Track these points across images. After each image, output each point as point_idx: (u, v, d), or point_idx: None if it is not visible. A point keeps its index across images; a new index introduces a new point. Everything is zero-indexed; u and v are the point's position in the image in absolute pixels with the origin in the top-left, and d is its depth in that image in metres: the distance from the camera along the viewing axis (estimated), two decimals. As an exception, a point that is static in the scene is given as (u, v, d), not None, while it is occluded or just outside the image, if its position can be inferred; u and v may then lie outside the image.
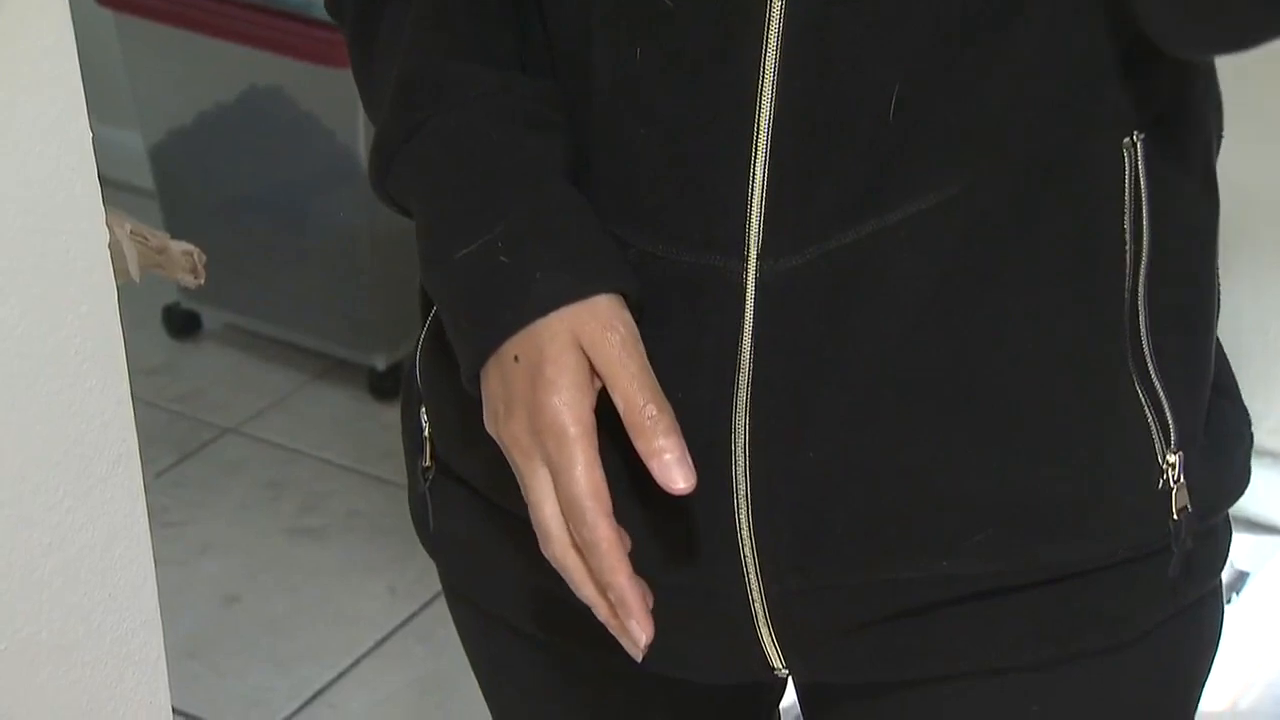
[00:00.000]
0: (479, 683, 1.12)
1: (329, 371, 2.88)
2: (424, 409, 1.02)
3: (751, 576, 0.91)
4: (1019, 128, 0.86)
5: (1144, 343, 0.90)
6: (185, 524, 2.53)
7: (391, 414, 1.12)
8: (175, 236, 0.92)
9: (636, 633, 0.83)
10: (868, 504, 0.89)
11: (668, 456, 0.82)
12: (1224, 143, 0.96)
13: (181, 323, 2.98)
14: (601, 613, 0.85)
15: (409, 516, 1.08)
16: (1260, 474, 1.11)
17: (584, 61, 0.89)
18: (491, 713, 1.15)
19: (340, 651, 2.31)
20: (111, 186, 0.81)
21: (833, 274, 0.86)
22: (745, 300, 0.87)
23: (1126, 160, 0.88)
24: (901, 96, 0.83)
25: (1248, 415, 1.00)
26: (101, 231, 0.77)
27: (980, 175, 0.86)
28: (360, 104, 0.98)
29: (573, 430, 0.83)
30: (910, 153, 0.85)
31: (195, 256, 0.92)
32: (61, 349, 0.76)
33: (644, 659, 0.85)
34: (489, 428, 0.87)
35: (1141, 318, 0.90)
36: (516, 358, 0.84)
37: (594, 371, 0.84)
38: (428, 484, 1.03)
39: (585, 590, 0.84)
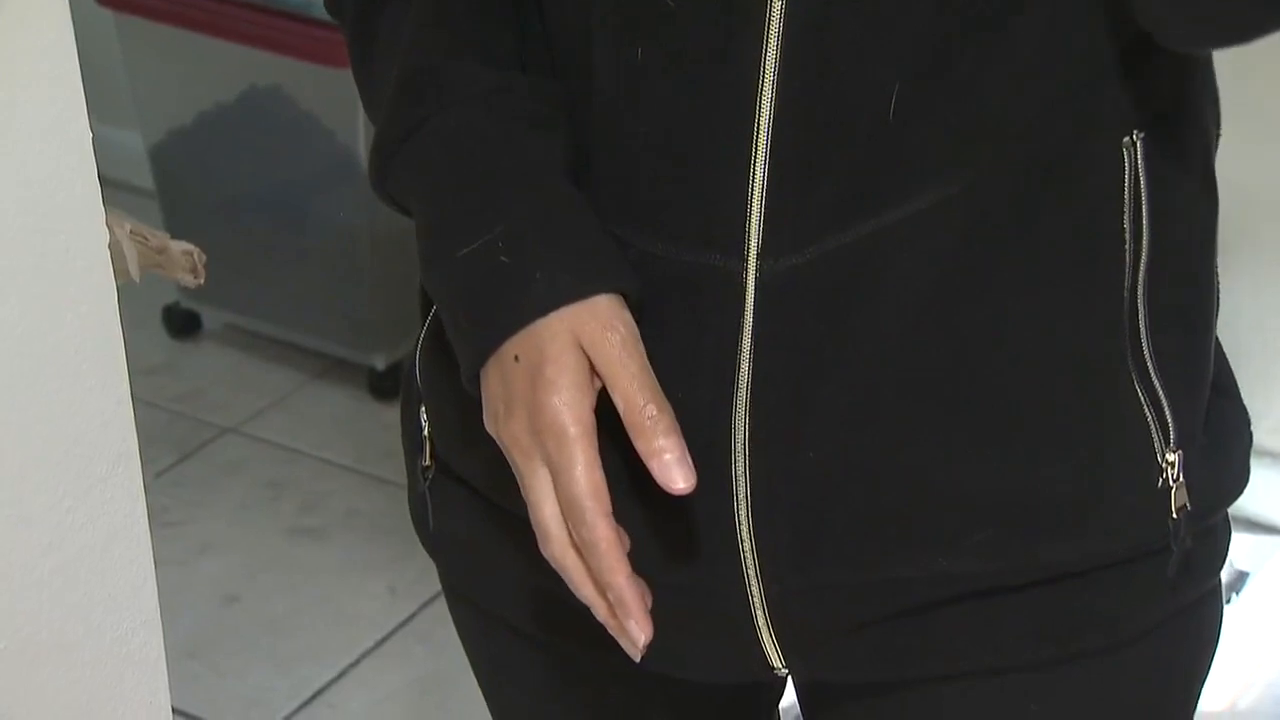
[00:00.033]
0: (479, 682, 1.13)
1: (329, 371, 2.88)
2: (423, 408, 1.02)
3: (751, 576, 0.91)
4: (1019, 127, 0.86)
5: (1143, 342, 0.90)
6: (185, 524, 2.53)
7: (391, 414, 1.13)
8: (175, 236, 0.92)
9: (635, 633, 0.83)
10: (867, 503, 0.89)
11: (668, 456, 0.82)
12: (1224, 143, 0.96)
13: (181, 322, 2.98)
14: (600, 613, 0.85)
15: (409, 516, 1.08)
16: (1260, 473, 1.11)
17: (584, 61, 0.89)
18: (491, 713, 1.15)
19: (340, 651, 2.31)
20: (111, 186, 0.81)
21: (832, 273, 0.86)
22: (745, 299, 0.87)
23: (1126, 159, 0.88)
24: (901, 96, 0.83)
25: (1247, 414, 1.00)
26: (101, 231, 0.77)
27: (980, 174, 0.86)
28: (360, 104, 0.98)
29: (573, 430, 0.83)
30: (910, 152, 0.85)
31: (195, 256, 0.92)
32: (61, 349, 0.76)
33: (643, 659, 0.85)
34: (489, 427, 0.87)
35: (1141, 317, 0.90)
36: (517, 357, 0.84)
37: (594, 371, 0.84)
38: (427, 483, 1.04)
39: (584, 590, 0.85)
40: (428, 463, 1.03)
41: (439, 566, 1.08)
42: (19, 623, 0.78)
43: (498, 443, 0.86)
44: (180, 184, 2.84)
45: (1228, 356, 0.99)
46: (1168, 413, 0.91)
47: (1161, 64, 0.88)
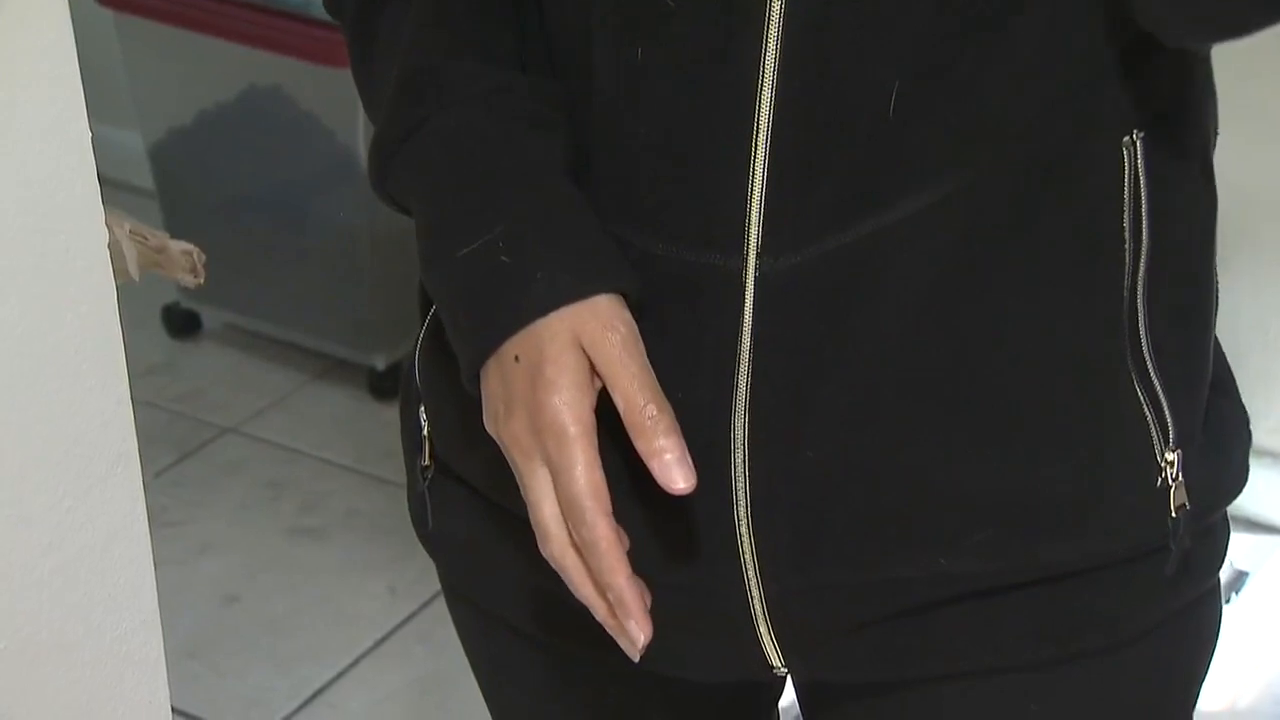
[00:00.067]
0: (478, 682, 1.13)
1: (329, 371, 2.88)
2: (422, 408, 1.02)
3: (750, 576, 0.91)
4: (1019, 127, 0.86)
5: (1143, 341, 0.90)
6: (185, 524, 2.53)
7: (391, 413, 1.12)
8: (175, 236, 0.92)
9: (635, 633, 0.83)
10: (867, 503, 0.89)
11: (668, 456, 0.82)
12: (1224, 143, 0.96)
13: (181, 322, 2.98)
14: (600, 613, 0.85)
15: (409, 516, 1.08)
16: (1259, 473, 1.11)
17: (584, 61, 0.89)
18: (491, 712, 1.15)
19: (340, 651, 2.31)
20: (111, 186, 0.81)
21: (832, 273, 0.86)
22: (744, 299, 0.87)
23: (1126, 159, 0.88)
24: (901, 96, 0.83)
25: (1246, 414, 1.00)
26: (101, 231, 0.77)
27: (980, 174, 0.86)
28: (360, 104, 0.98)
29: (573, 430, 0.83)
30: (910, 152, 0.85)
31: (195, 256, 0.92)
32: (61, 349, 0.76)
33: (642, 658, 0.85)
34: (489, 427, 0.87)
35: (1140, 316, 0.90)
36: (517, 357, 0.84)
37: (594, 371, 0.84)
38: (426, 483, 1.04)
39: (584, 590, 0.85)
40: (427, 462, 1.03)
41: (438, 566, 1.08)
42: (19, 623, 0.78)
43: (498, 442, 0.86)
44: (180, 184, 2.84)
45: (1227, 356, 0.99)
46: (1167, 412, 0.91)
47: (1161, 64, 0.88)
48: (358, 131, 2.58)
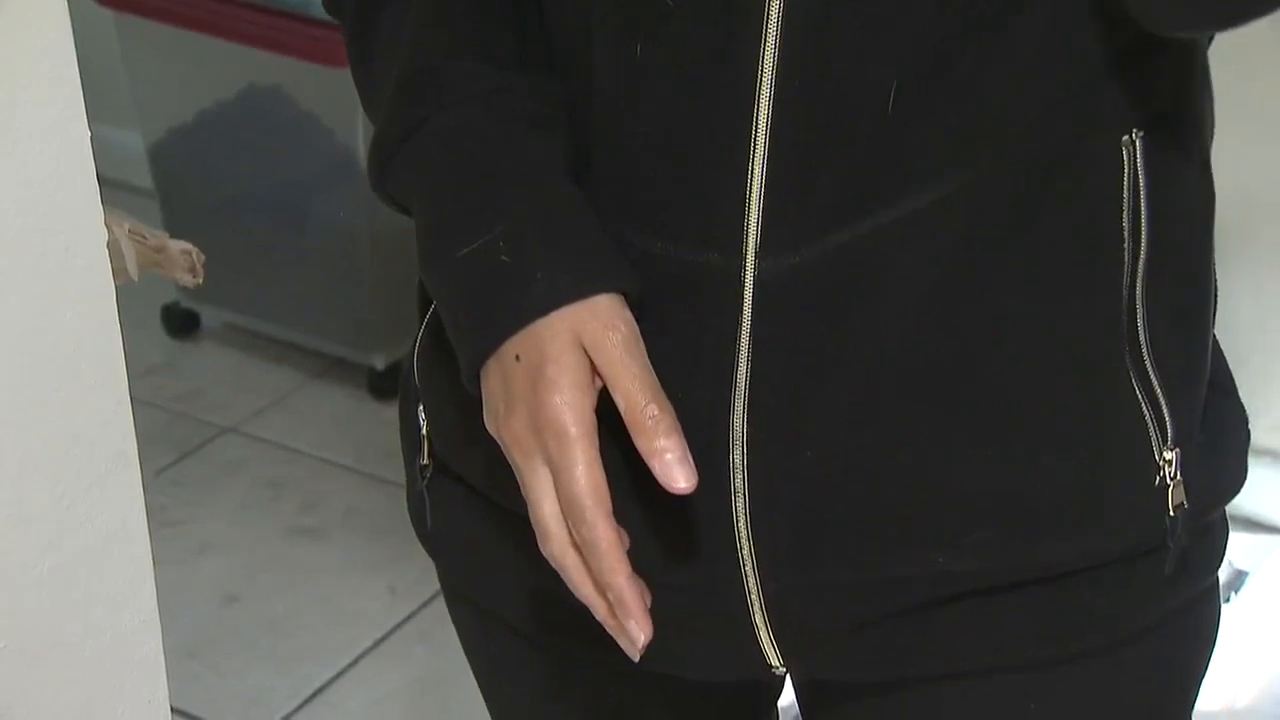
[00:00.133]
0: (478, 682, 1.13)
1: (328, 371, 2.88)
2: (421, 407, 1.02)
3: (750, 575, 0.91)
4: (1019, 127, 0.86)
5: (1142, 340, 0.90)
6: (184, 523, 2.53)
7: (391, 413, 1.12)
8: (174, 236, 0.92)
9: (635, 632, 0.83)
10: (867, 503, 0.89)
11: (669, 456, 0.82)
12: (1222, 143, 0.96)
13: (180, 322, 2.98)
14: (600, 612, 0.85)
15: (408, 516, 1.08)
16: (1258, 472, 1.11)
17: (584, 61, 0.89)
18: (491, 712, 1.15)
19: (340, 651, 2.31)
20: (110, 186, 0.81)
21: (831, 272, 0.86)
22: (744, 298, 0.87)
23: (1126, 158, 0.88)
24: (900, 95, 0.83)
25: (1245, 413, 1.00)
26: (100, 231, 0.77)
27: (980, 174, 0.86)
28: (360, 103, 0.98)
29: (573, 430, 0.83)
30: (909, 152, 0.85)
31: (194, 256, 0.92)
32: (61, 348, 0.76)
33: (642, 658, 0.85)
34: (489, 427, 0.87)
35: (1140, 315, 0.90)
36: (518, 357, 0.84)
37: (595, 371, 0.84)
38: (425, 482, 1.04)
39: (584, 590, 0.85)
40: (425, 462, 1.03)
41: (438, 566, 1.08)
42: (18, 622, 0.78)
43: (498, 442, 0.86)
44: (180, 184, 2.84)
45: (1226, 356, 0.99)
46: (1165, 411, 0.91)
47: (1161, 64, 0.88)
48: (358, 131, 2.58)
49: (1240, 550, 2.36)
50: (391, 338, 2.75)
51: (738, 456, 0.89)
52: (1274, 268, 2.35)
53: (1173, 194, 0.90)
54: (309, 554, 2.49)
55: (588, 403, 0.83)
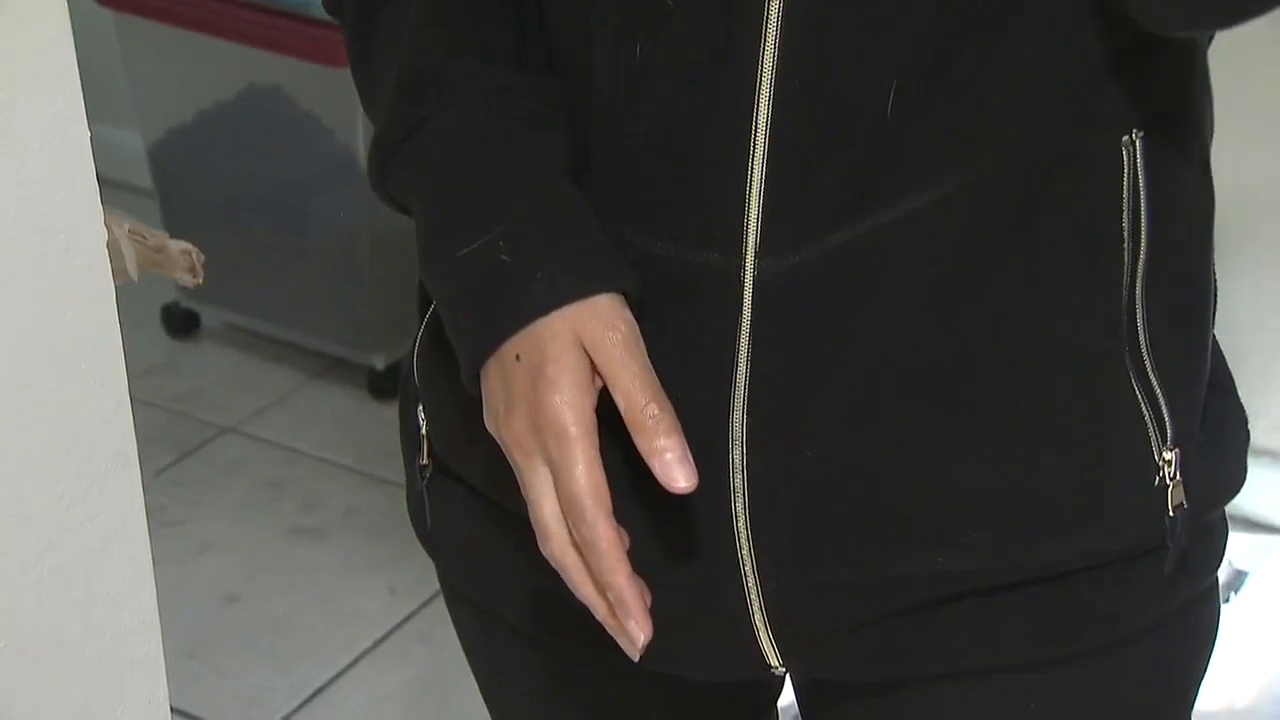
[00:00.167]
0: (478, 682, 1.13)
1: (328, 371, 2.88)
2: (421, 407, 1.02)
3: (749, 575, 0.91)
4: (1019, 127, 0.86)
5: (1141, 340, 0.90)
6: (184, 523, 2.53)
7: (391, 413, 1.12)
8: (174, 236, 0.92)
9: (635, 632, 0.83)
10: (866, 502, 0.89)
11: (669, 456, 0.82)
12: (1222, 142, 0.96)
13: (180, 322, 2.98)
14: (600, 612, 0.85)
15: (408, 516, 1.08)
16: (1258, 472, 1.11)
17: (584, 61, 0.89)
18: (490, 712, 1.15)
19: (340, 651, 2.31)
20: (110, 186, 0.81)
21: (831, 273, 0.86)
22: (743, 298, 0.87)
23: (1125, 158, 0.88)
24: (900, 95, 0.83)
25: (1245, 413, 1.00)
26: (100, 231, 0.77)
27: (980, 174, 0.86)
28: (360, 103, 0.98)
29: (574, 430, 0.83)
30: (909, 152, 0.85)
31: (194, 256, 0.92)
32: (60, 348, 0.76)
33: (642, 658, 0.85)
34: (489, 426, 0.87)
35: (1139, 315, 0.90)
36: (518, 357, 0.84)
37: (595, 370, 0.84)
38: (425, 482, 1.04)
39: (584, 589, 0.85)
40: (425, 461, 1.03)
41: (437, 566, 1.08)
42: (18, 622, 0.78)
43: (498, 442, 0.86)
44: (179, 184, 2.84)
45: (1226, 355, 0.99)
46: (1165, 411, 0.91)
47: (1161, 64, 0.88)
48: (358, 131, 2.59)
49: (1240, 550, 2.36)
50: (391, 338, 2.75)
51: (737, 456, 0.89)
52: (1273, 267, 2.35)
53: (1173, 194, 0.90)
54: (309, 554, 2.49)
55: (588, 402, 0.83)
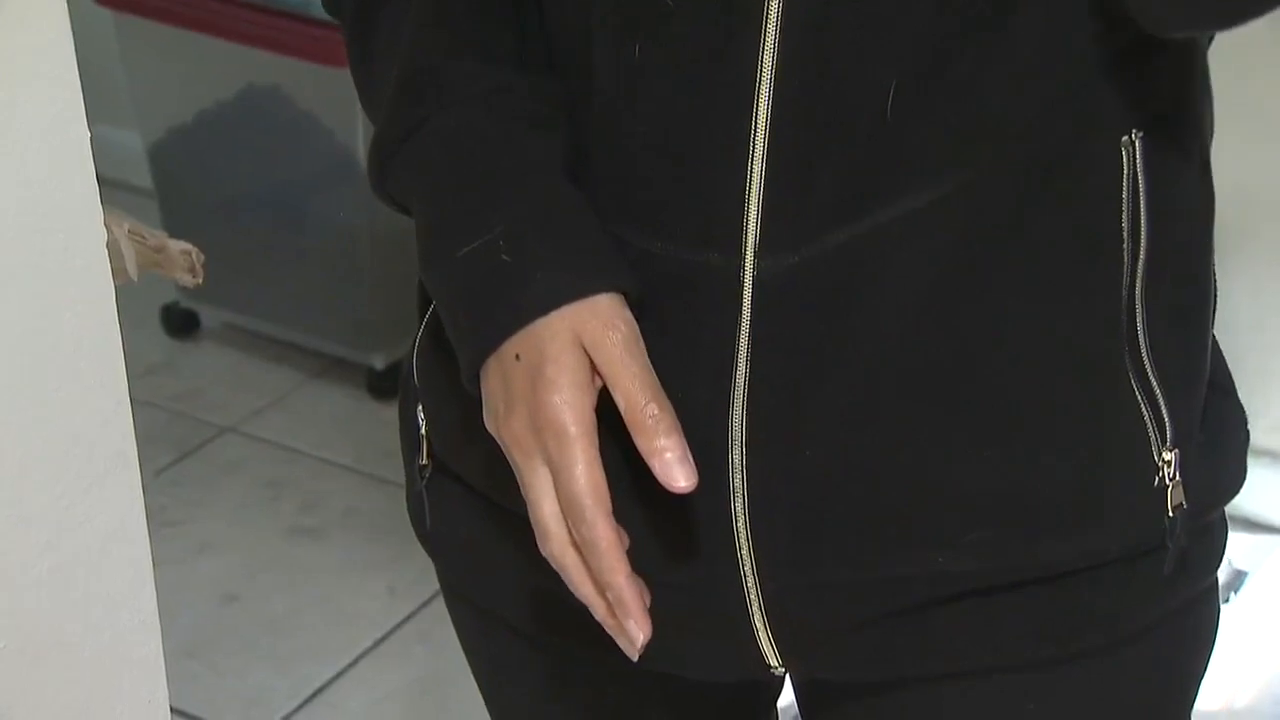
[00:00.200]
0: (477, 682, 1.13)
1: (328, 370, 2.88)
2: (420, 407, 1.02)
3: (749, 574, 0.91)
4: (1018, 127, 0.86)
5: (1140, 340, 0.90)
6: (184, 523, 2.53)
7: (391, 413, 1.12)
8: (174, 236, 0.92)
9: (634, 632, 0.83)
10: (866, 502, 0.89)
11: (669, 455, 0.82)
12: (1222, 142, 0.96)
13: (180, 322, 2.98)
14: (599, 612, 0.85)
15: (408, 516, 1.08)
16: (1257, 473, 1.11)
17: (584, 61, 0.89)
18: (490, 712, 1.15)
19: (340, 650, 2.31)
20: (110, 186, 0.81)
21: (831, 272, 0.86)
22: (743, 298, 0.87)
23: (1125, 159, 0.88)
24: (900, 95, 0.83)
25: (1244, 413, 1.00)
26: (99, 231, 0.77)
27: (979, 174, 0.86)
28: (360, 103, 0.98)
29: (573, 429, 0.83)
30: (909, 152, 0.85)
31: (193, 256, 0.92)
32: (60, 348, 0.76)
33: (641, 658, 0.85)
34: (489, 426, 0.87)
35: (1139, 315, 0.90)
36: (517, 356, 0.84)
37: (594, 370, 0.84)
38: (424, 482, 1.04)
39: (583, 589, 0.85)
40: (425, 461, 1.03)
41: (437, 566, 1.08)
42: (17, 622, 0.78)
43: (498, 441, 0.86)
44: (179, 183, 2.84)
45: (1226, 355, 0.99)
46: (1164, 411, 0.91)
47: (1161, 64, 0.88)
48: (357, 131, 2.58)
49: (1240, 550, 2.36)
50: (391, 338, 2.75)
51: (737, 456, 0.89)
52: (1273, 267, 2.35)
53: (1172, 194, 0.90)
54: (309, 554, 2.49)
55: (587, 402, 0.83)
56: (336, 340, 2.83)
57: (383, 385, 2.78)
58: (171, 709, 0.87)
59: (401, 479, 1.07)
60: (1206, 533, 0.97)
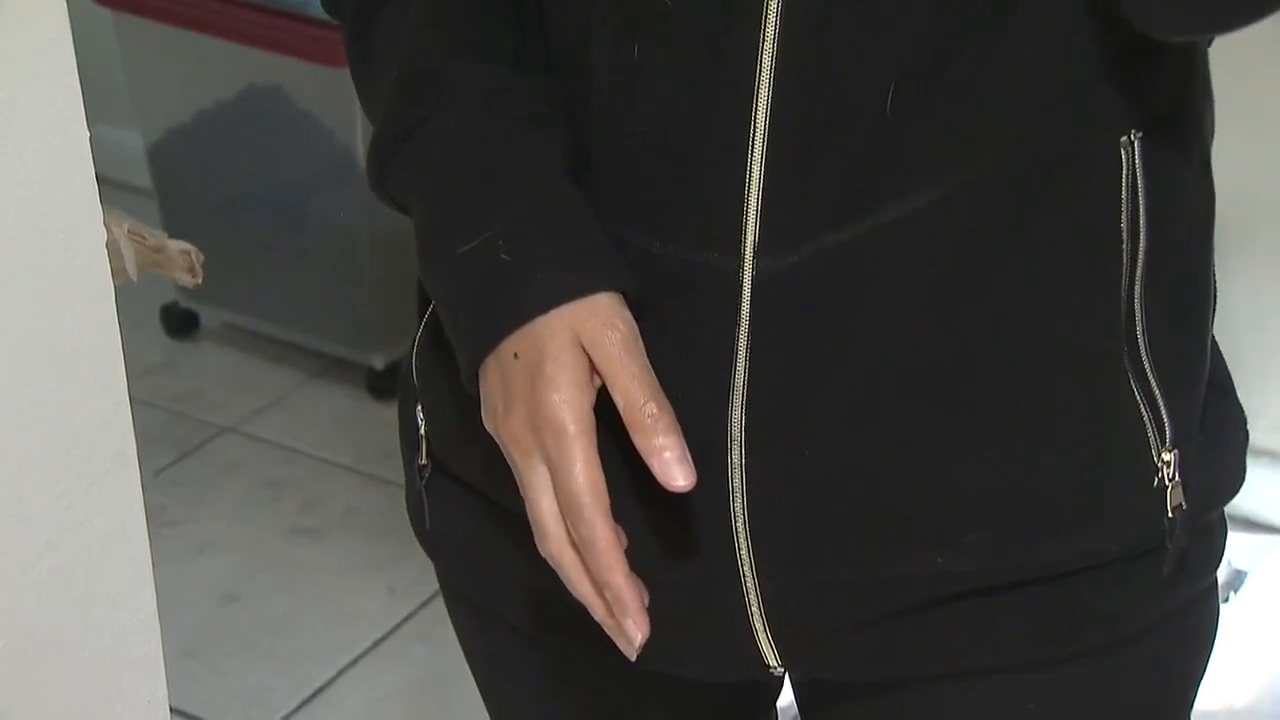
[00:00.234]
0: (477, 681, 1.13)
1: (328, 370, 2.88)
2: (419, 407, 1.02)
3: (748, 574, 0.91)
4: (1018, 127, 0.86)
5: (1140, 340, 0.90)
6: (184, 523, 2.53)
7: (390, 413, 1.13)
8: (173, 236, 0.92)
9: (632, 631, 0.83)
10: (866, 502, 0.89)
11: (668, 454, 0.82)
12: (1222, 142, 0.96)
13: (180, 322, 2.98)
14: (598, 611, 0.85)
15: (408, 515, 1.08)
16: (1257, 473, 1.11)
17: (583, 61, 0.89)
18: (489, 711, 1.15)
19: (339, 650, 2.31)
20: (109, 186, 0.81)
21: (830, 272, 0.86)
22: (742, 298, 0.87)
23: (1125, 159, 0.88)
24: (899, 95, 0.83)
25: (1244, 413, 1.00)
26: (99, 231, 0.77)
27: (979, 174, 0.86)
28: (359, 103, 0.98)
29: (572, 428, 0.83)
30: (908, 151, 0.85)
31: (193, 256, 0.92)
32: (60, 348, 0.76)
33: (640, 657, 0.85)
34: (487, 425, 0.87)
35: (1139, 316, 0.90)
36: (516, 355, 0.85)
37: (593, 369, 0.84)
38: (424, 482, 1.04)
39: (582, 588, 0.85)
40: (424, 461, 1.03)
41: (436, 565, 1.08)
42: (17, 622, 0.78)
43: (496, 440, 0.86)
44: (179, 183, 2.84)
45: (1226, 355, 0.99)
46: (1164, 411, 0.91)
47: (1160, 64, 0.88)
48: (357, 131, 2.58)
49: (1239, 550, 2.36)
50: (391, 337, 2.75)
51: (736, 456, 0.89)
52: (1273, 267, 2.35)
53: (1172, 195, 0.90)
54: (309, 554, 2.49)
55: (586, 401, 0.83)
56: (336, 340, 2.83)
57: (382, 385, 2.78)
58: (171, 709, 0.87)
59: (401, 479, 1.07)
60: (1206, 533, 0.97)
